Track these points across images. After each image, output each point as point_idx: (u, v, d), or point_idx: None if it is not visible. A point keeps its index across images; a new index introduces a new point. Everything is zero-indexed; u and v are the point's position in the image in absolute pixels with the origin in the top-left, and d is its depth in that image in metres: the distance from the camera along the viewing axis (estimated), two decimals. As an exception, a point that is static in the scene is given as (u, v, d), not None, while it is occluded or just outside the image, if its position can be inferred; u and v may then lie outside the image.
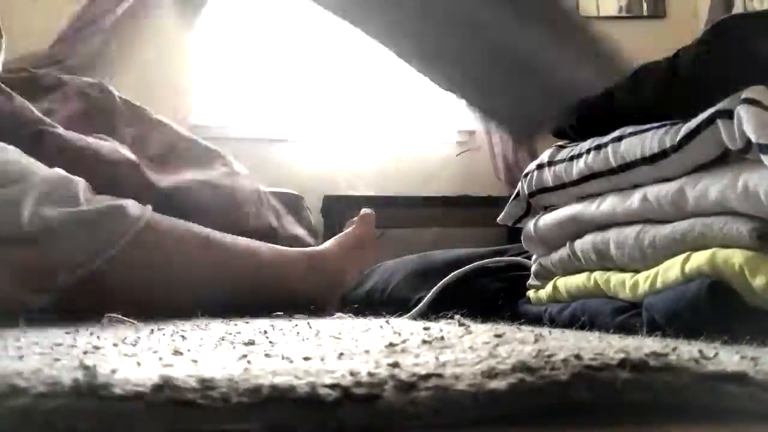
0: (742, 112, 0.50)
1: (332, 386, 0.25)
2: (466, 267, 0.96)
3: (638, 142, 0.61)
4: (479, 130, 2.90)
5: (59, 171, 0.97)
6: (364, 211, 1.31)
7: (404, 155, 2.80)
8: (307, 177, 2.73)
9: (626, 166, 0.63)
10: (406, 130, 2.84)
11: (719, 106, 0.53)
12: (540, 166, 0.76)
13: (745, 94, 0.51)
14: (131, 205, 0.98)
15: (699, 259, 0.54)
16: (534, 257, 0.83)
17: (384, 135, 2.83)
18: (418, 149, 2.84)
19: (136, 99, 2.71)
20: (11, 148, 0.96)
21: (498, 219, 0.86)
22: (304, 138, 2.80)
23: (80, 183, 0.96)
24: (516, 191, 0.82)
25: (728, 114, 0.52)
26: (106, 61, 2.63)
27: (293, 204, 2.23)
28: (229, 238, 1.10)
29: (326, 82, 2.82)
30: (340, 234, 1.27)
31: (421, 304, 0.95)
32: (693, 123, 0.56)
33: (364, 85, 2.86)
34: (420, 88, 2.90)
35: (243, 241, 1.12)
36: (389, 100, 2.86)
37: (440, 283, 0.97)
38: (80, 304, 0.88)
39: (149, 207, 1.01)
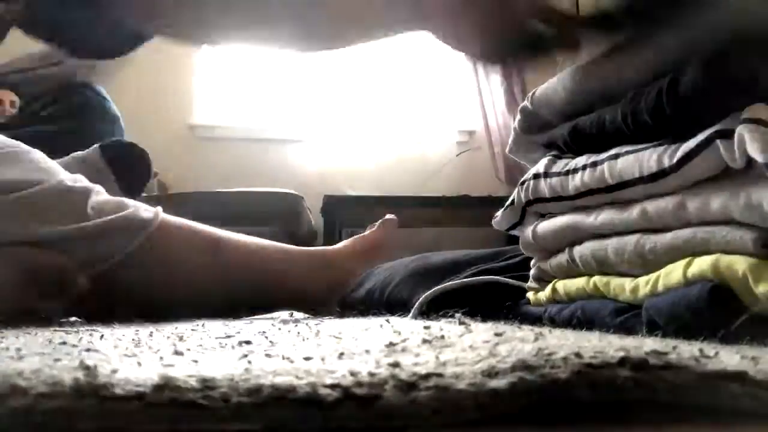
0: (745, 132, 0.50)
1: (333, 386, 0.25)
2: (475, 278, 0.95)
3: (635, 161, 0.61)
4: (479, 130, 2.90)
5: (73, 178, 0.97)
6: (388, 216, 1.31)
7: (404, 155, 2.81)
8: (307, 177, 2.74)
9: (623, 185, 0.63)
10: (407, 129, 2.85)
11: (718, 126, 0.53)
12: (536, 176, 0.76)
13: (746, 113, 0.51)
14: (142, 209, 0.98)
15: (702, 263, 0.54)
16: (533, 261, 0.83)
17: (384, 135, 2.84)
18: (418, 149, 2.85)
19: (138, 99, 2.71)
20: (35, 150, 0.96)
21: (492, 222, 0.86)
22: (304, 138, 2.80)
23: (91, 191, 0.96)
24: (511, 199, 0.82)
25: (727, 134, 0.52)
26: (107, 61, 2.64)
27: (293, 204, 2.22)
28: (238, 237, 1.10)
29: (327, 82, 2.82)
30: (358, 235, 1.27)
31: (420, 301, 0.94)
32: (691, 143, 0.55)
33: (364, 85, 2.86)
34: (421, 88, 2.90)
35: (251, 240, 1.12)
36: (389, 100, 2.86)
37: (445, 284, 0.97)
38: (89, 305, 0.88)
39: (159, 209, 1.01)
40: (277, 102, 2.84)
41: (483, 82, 2.88)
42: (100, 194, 0.97)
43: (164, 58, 2.74)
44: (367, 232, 1.28)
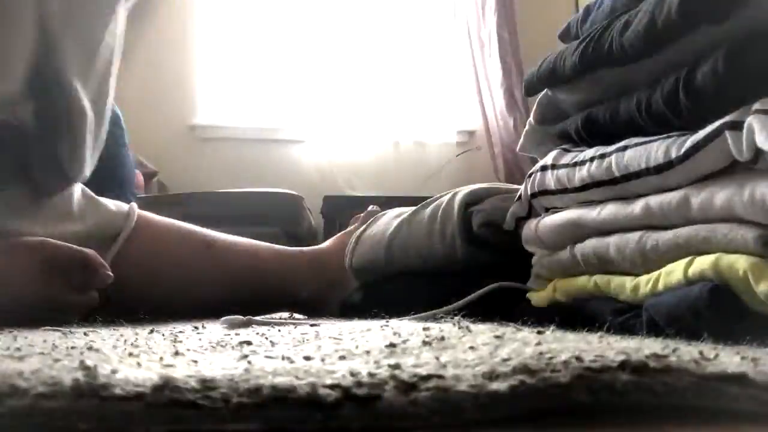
0: (755, 122, 0.50)
1: (333, 387, 0.25)
2: (479, 292, 0.94)
3: (643, 152, 0.61)
4: (479, 130, 2.90)
5: None
6: (371, 208, 1.30)
7: (404, 155, 2.81)
8: (307, 177, 2.74)
9: (630, 176, 0.62)
10: (407, 130, 2.85)
11: (727, 117, 0.53)
12: (544, 168, 0.76)
13: (757, 105, 0.51)
14: (123, 206, 0.99)
15: (703, 263, 0.54)
16: (534, 259, 0.82)
17: (384, 135, 2.84)
18: (418, 149, 2.85)
19: (139, 99, 2.71)
20: None
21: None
22: (304, 138, 2.80)
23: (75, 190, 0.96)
24: (519, 193, 0.82)
25: (737, 125, 0.52)
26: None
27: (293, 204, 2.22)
28: (229, 237, 1.10)
29: (327, 82, 2.82)
30: (344, 232, 1.26)
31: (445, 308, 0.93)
32: (700, 134, 0.55)
33: (364, 86, 2.86)
34: (421, 89, 2.90)
35: (243, 240, 1.12)
36: (390, 100, 2.86)
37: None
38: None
39: (134, 204, 1.01)
40: (278, 102, 2.84)
41: (483, 82, 2.88)
42: (83, 192, 0.97)
43: (165, 57, 2.75)
44: (351, 227, 1.27)
